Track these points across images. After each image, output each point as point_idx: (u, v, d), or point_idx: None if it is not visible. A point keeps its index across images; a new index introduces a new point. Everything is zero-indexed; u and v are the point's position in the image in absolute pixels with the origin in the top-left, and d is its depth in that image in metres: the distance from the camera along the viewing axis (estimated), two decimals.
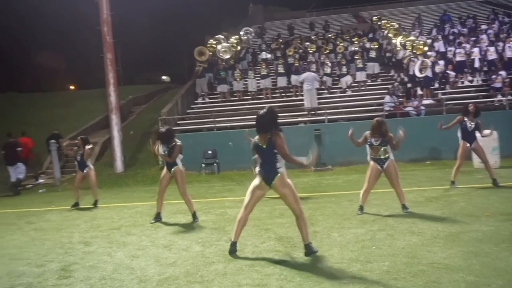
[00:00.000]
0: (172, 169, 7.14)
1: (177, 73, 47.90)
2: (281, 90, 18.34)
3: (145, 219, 7.66)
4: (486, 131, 8.56)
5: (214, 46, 19.02)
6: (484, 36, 18.30)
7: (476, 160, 10.28)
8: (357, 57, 17.79)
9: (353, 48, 19.59)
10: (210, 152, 14.34)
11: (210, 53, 18.80)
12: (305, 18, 32.48)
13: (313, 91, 15.69)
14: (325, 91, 17.79)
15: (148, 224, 7.25)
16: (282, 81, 17.94)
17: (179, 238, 6.15)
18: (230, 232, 5.20)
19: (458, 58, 16.95)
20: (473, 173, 9.69)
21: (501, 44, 17.16)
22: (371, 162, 6.77)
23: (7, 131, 15.06)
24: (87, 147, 9.49)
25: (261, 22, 31.08)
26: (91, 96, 28.14)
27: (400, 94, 16.28)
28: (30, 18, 43.83)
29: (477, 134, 8.45)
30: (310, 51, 19.72)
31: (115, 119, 15.54)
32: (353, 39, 20.91)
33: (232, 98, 18.56)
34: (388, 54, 20.00)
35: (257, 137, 4.89)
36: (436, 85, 16.43)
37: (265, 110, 4.82)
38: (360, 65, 17.59)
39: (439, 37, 20.02)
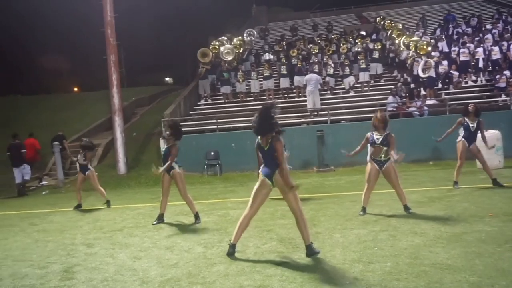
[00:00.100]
0: (171, 172, 7.15)
1: (180, 74, 47.99)
2: (284, 91, 18.33)
3: (147, 221, 7.67)
4: (491, 145, 8.60)
5: (217, 47, 19.05)
6: (489, 36, 18.23)
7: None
8: (360, 58, 17.76)
9: (356, 49, 19.56)
10: (212, 153, 14.35)
11: (213, 54, 18.82)
12: (308, 19, 32.46)
13: (316, 92, 15.70)
14: (328, 92, 17.78)
15: (151, 225, 7.26)
16: (285, 82, 17.94)
17: (181, 239, 6.15)
18: (232, 233, 5.19)
19: (462, 58, 16.86)
20: (476, 173, 9.65)
21: (505, 43, 17.09)
22: (370, 163, 6.75)
23: (11, 133, 15.11)
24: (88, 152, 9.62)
25: (264, 23, 31.11)
26: (94, 98, 28.23)
27: (403, 95, 16.24)
28: (33, 20, 44.01)
29: (482, 143, 8.44)
30: (313, 52, 19.70)
31: (118, 121, 15.60)
32: (356, 40, 20.88)
33: (234, 99, 18.58)
34: (391, 55, 19.96)
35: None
36: (440, 85, 16.38)
37: (257, 113, 4.77)
38: (363, 66, 17.55)
39: (443, 37, 19.96)
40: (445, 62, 16.69)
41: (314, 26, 27.16)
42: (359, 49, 19.17)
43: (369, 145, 6.76)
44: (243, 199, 8.85)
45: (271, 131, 4.71)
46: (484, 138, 8.41)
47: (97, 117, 22.32)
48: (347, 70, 17.69)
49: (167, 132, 7.37)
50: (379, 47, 18.62)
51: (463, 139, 8.42)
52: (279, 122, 4.86)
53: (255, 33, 24.67)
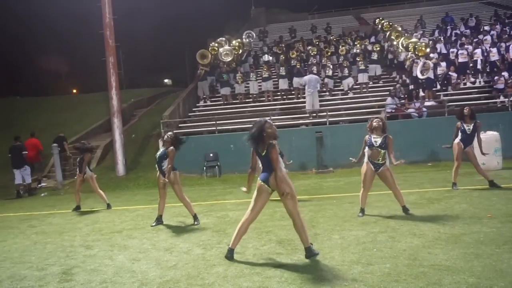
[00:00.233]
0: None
1: (179, 76, 48.08)
2: (283, 93, 18.35)
3: (146, 222, 7.67)
4: (486, 152, 8.63)
5: (216, 49, 19.07)
6: (487, 37, 18.28)
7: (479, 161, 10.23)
8: (359, 59, 17.79)
9: (355, 50, 19.58)
10: (211, 155, 14.35)
11: (212, 56, 18.84)
12: (307, 21, 32.57)
13: (315, 93, 15.72)
14: (327, 93, 17.80)
15: (149, 227, 7.26)
16: (283, 84, 17.96)
17: (180, 241, 6.15)
18: (231, 234, 5.19)
19: (460, 60, 16.91)
20: (474, 175, 9.64)
21: (503, 45, 17.13)
22: (365, 164, 6.76)
23: (11, 135, 15.10)
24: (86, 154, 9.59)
25: (263, 25, 31.18)
26: (93, 99, 28.21)
27: (402, 96, 16.27)
28: (32, 22, 44.15)
29: (479, 150, 8.47)
30: (311, 54, 19.73)
31: (117, 123, 15.59)
32: (355, 42, 20.92)
33: (233, 101, 18.59)
34: (390, 56, 20.01)
35: None
36: (438, 87, 16.41)
37: (253, 126, 4.86)
38: (362, 67, 17.58)
39: (441, 38, 20.01)
40: (443, 64, 16.74)
41: (313, 27, 27.25)
42: (358, 51, 19.20)
43: (366, 147, 6.77)
44: (242, 201, 8.86)
45: (264, 143, 4.81)
46: (479, 143, 8.49)
47: (96, 119, 22.28)
48: (346, 71, 17.71)
49: (168, 134, 7.33)
50: (378, 48, 18.66)
51: (459, 141, 8.49)
52: (277, 124, 4.89)
53: (254, 34, 24.76)
